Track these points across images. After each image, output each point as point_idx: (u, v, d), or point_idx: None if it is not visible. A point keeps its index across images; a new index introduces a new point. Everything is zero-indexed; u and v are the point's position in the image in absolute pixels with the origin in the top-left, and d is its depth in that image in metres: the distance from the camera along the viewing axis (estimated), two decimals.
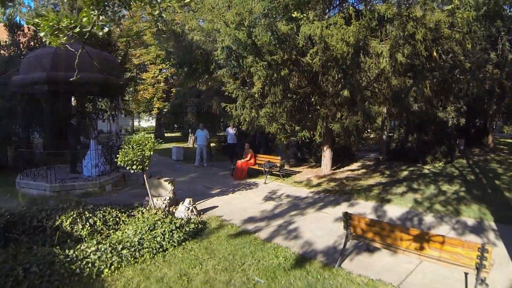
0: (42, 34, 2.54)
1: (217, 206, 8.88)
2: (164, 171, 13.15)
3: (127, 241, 5.96)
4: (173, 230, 6.55)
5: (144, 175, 8.02)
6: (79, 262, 5.20)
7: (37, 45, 14.25)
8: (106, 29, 2.91)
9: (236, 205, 8.86)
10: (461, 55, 10.36)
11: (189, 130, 19.64)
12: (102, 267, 5.22)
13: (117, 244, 5.79)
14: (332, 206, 8.50)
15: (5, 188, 9.75)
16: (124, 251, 5.60)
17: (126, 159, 7.35)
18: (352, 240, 5.45)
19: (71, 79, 4.27)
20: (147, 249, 5.79)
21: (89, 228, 6.50)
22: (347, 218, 5.35)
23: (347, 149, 14.21)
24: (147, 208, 7.90)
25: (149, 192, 8.03)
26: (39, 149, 11.10)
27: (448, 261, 4.38)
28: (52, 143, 10.38)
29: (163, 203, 8.32)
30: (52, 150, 9.92)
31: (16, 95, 10.52)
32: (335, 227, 6.98)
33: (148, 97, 23.00)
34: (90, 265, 5.19)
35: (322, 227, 7.02)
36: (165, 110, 22.05)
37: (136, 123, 45.64)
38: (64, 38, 2.59)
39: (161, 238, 6.19)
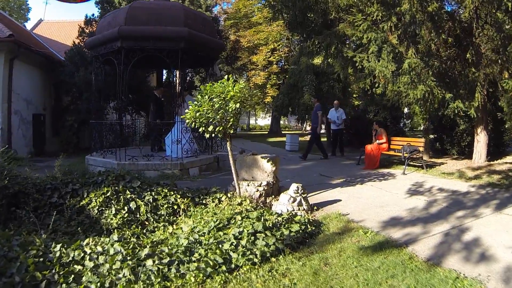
0: None
1: (340, 200, 5.69)
2: None
3: (169, 245, 3.12)
4: (258, 232, 3.49)
5: (228, 145, 5.16)
6: (56, 269, 2.57)
7: None
8: None
9: (368, 199, 5.79)
10: None
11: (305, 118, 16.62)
12: (92, 287, 2.46)
13: (145, 248, 2.97)
14: None
15: (74, 166, 8.23)
16: (149, 262, 2.73)
17: (197, 115, 4.58)
18: None
19: None
20: (196, 265, 2.82)
21: (126, 215, 3.94)
22: None
23: (498, 138, 10.36)
24: (229, 195, 5.05)
25: (234, 171, 5.16)
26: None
27: None
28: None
29: (257, 190, 5.34)
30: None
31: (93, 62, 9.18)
32: None
33: (260, 83, 20.75)
34: (71, 278, 2.53)
35: None
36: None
37: (252, 121, 44.99)
38: None
39: (231, 245, 3.17)
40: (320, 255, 3.50)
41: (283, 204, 4.86)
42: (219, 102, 4.43)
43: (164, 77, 12.25)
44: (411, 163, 8.96)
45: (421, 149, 9.04)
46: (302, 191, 4.96)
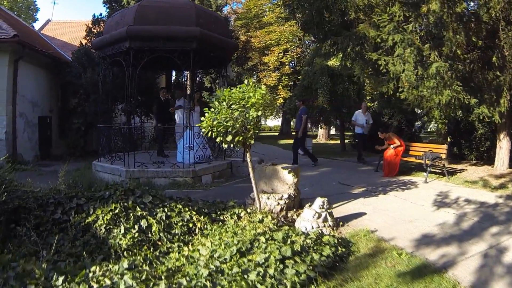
0: None
1: (365, 213, 5.27)
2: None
3: (187, 275, 2.72)
4: (287, 258, 3.08)
5: (248, 156, 4.75)
6: None
7: None
8: None
9: (394, 213, 5.36)
10: None
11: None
12: None
13: (160, 280, 2.58)
14: None
15: (81, 172, 7.87)
16: None
17: (215, 123, 4.16)
18: None
19: None
20: None
21: (136, 235, 3.55)
22: None
23: None
24: (249, 210, 4.64)
25: (254, 184, 4.75)
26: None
27: None
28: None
29: (278, 203, 4.94)
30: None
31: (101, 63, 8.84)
32: None
33: (271, 84, 20.27)
34: None
35: None
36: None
37: (261, 122, 44.50)
38: None
39: (257, 275, 2.76)
40: (356, 284, 3.11)
41: (307, 220, 4.43)
42: (239, 110, 4.01)
43: (173, 79, 11.90)
44: (432, 169, 8.50)
45: (443, 156, 8.57)
46: (327, 206, 4.54)
